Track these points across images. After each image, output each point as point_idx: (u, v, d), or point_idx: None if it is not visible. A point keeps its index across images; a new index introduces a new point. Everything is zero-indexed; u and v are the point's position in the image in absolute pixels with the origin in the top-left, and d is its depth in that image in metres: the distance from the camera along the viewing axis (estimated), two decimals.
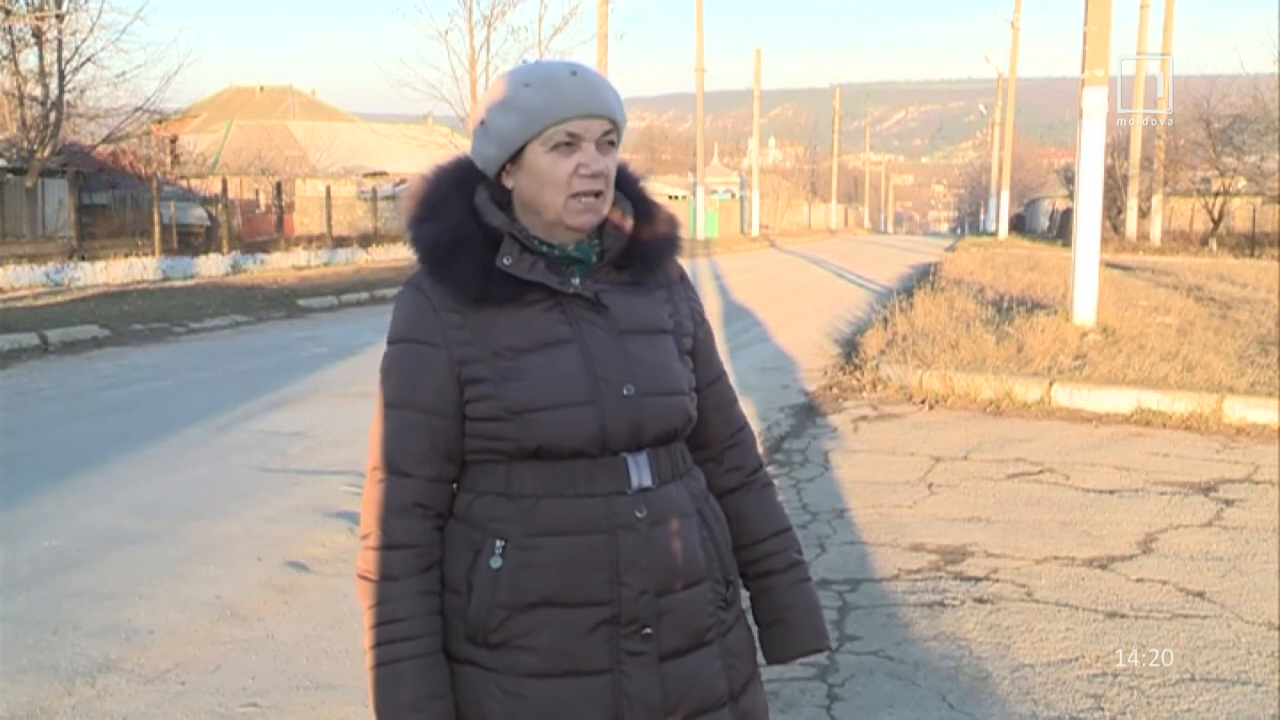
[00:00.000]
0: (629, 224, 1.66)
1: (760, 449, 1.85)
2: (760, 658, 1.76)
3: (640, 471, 1.58)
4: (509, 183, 1.62)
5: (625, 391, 1.57)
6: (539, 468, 1.56)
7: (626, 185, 1.69)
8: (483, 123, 1.60)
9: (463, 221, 1.60)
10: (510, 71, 1.64)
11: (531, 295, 1.59)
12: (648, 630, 1.56)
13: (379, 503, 1.59)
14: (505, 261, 1.57)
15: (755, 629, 1.77)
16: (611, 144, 1.60)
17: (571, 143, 1.56)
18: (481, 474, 1.60)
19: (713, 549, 1.65)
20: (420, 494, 1.58)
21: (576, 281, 1.61)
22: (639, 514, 1.56)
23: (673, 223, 1.71)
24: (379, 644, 1.56)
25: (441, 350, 1.58)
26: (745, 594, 1.77)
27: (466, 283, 1.57)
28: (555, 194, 1.57)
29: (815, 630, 1.76)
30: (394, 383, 1.61)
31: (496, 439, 1.56)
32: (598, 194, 1.58)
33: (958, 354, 9.08)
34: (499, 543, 1.55)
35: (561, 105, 1.56)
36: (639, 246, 1.66)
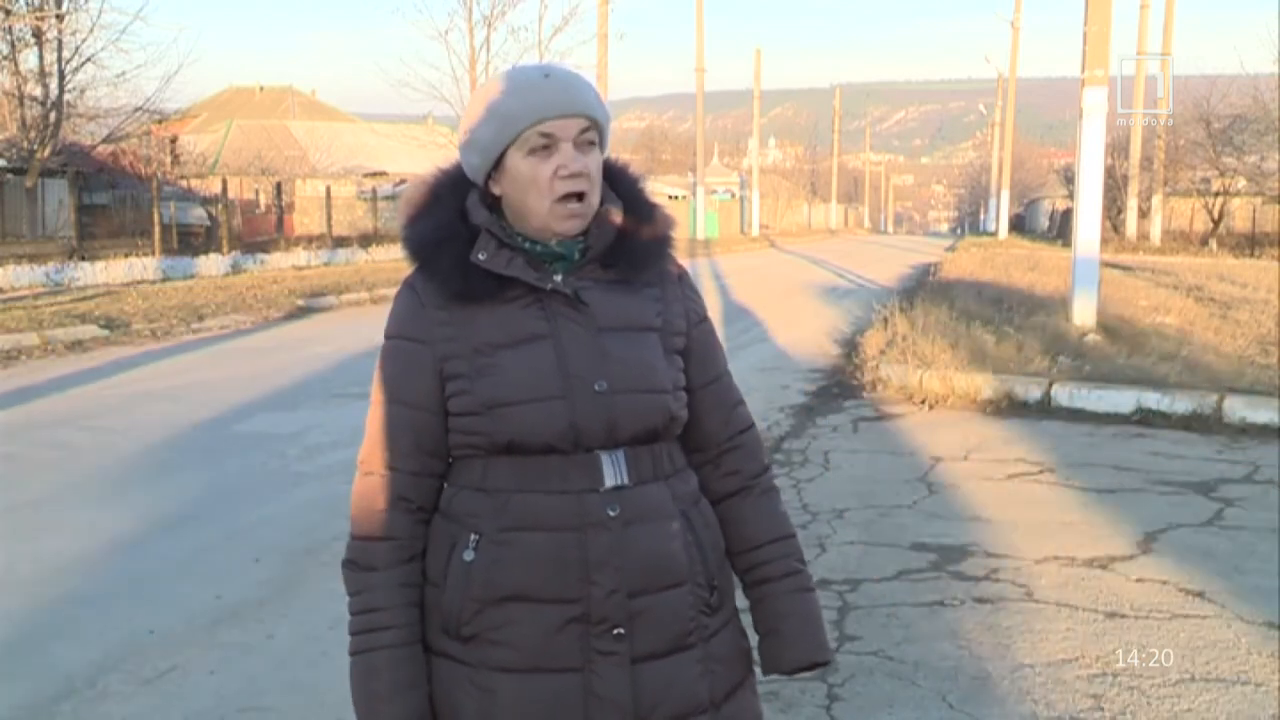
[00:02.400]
0: (616, 221, 1.65)
1: (763, 446, 1.82)
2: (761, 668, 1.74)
3: (615, 470, 1.58)
4: (496, 190, 1.63)
5: (598, 387, 1.56)
6: (513, 463, 1.57)
7: (620, 184, 1.69)
8: (466, 133, 1.63)
9: (450, 220, 1.63)
10: (489, 80, 1.66)
11: (512, 291, 1.60)
12: (619, 630, 1.55)
13: (364, 495, 1.62)
14: (480, 256, 1.59)
15: (756, 639, 1.74)
16: (592, 143, 1.60)
17: (548, 145, 1.58)
18: (462, 469, 1.62)
19: (696, 552, 1.62)
20: (403, 487, 1.60)
21: (558, 278, 1.61)
22: (611, 512, 1.56)
23: (664, 222, 1.70)
24: (356, 633, 1.60)
25: (426, 347, 1.60)
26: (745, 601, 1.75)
27: (448, 278, 1.60)
28: (539, 199, 1.58)
29: (812, 642, 1.70)
30: (383, 378, 1.64)
31: (472, 433, 1.58)
32: (581, 195, 1.58)
33: (958, 354, 9.08)
34: (473, 536, 1.57)
35: (535, 107, 1.57)
36: (626, 245, 1.65)
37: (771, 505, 1.75)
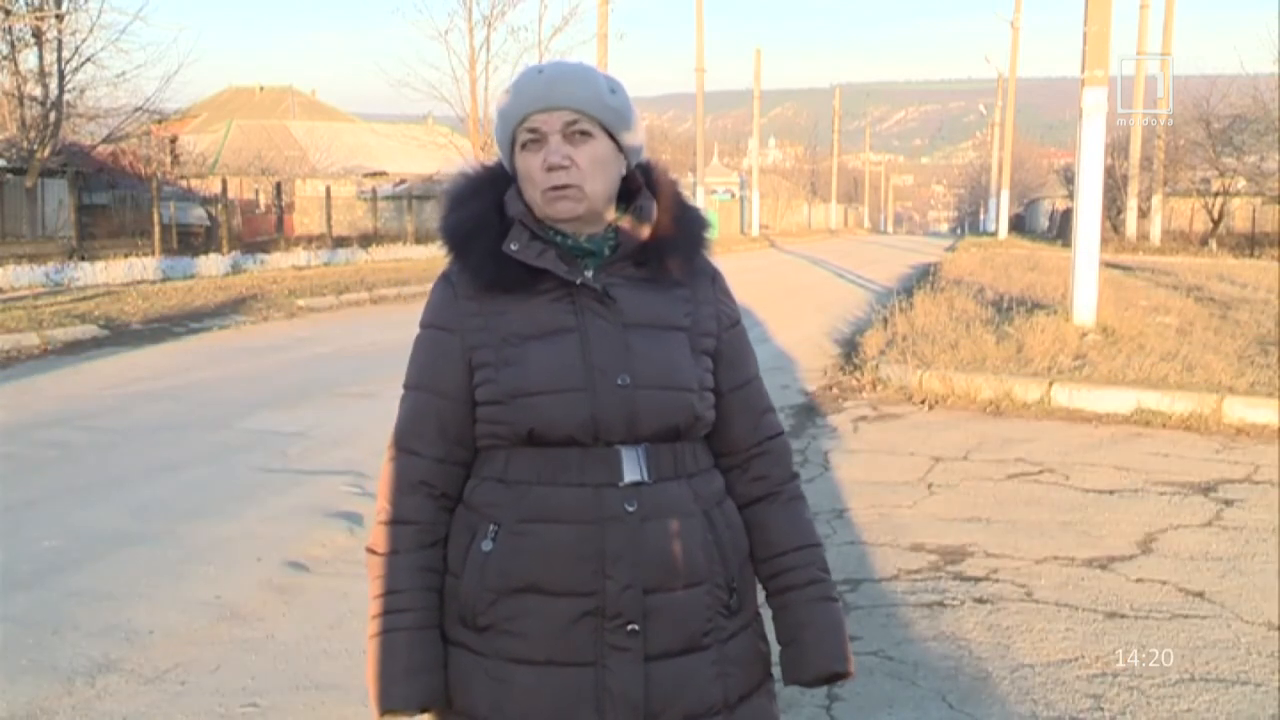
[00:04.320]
0: (643, 232, 1.67)
1: (791, 454, 1.82)
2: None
3: (634, 465, 1.59)
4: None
5: (620, 381, 1.58)
6: (534, 455, 1.59)
7: (656, 183, 1.71)
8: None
9: (484, 211, 1.66)
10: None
11: (544, 284, 1.62)
12: (633, 626, 1.56)
13: (389, 479, 1.65)
14: (512, 247, 1.61)
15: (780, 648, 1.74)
16: (585, 133, 1.61)
17: (536, 139, 1.61)
18: (486, 460, 1.64)
19: (716, 553, 1.63)
20: (427, 473, 1.63)
21: (589, 273, 1.63)
22: (629, 508, 1.57)
23: (698, 223, 1.71)
24: (375, 615, 1.62)
25: (456, 336, 1.63)
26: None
27: (480, 268, 1.63)
28: (533, 190, 1.62)
29: (832, 652, 1.69)
30: (414, 366, 1.68)
31: (496, 423, 1.60)
32: (569, 185, 1.60)
33: (958, 354, 9.08)
34: (492, 527, 1.59)
35: (522, 104, 1.62)
36: (657, 244, 1.67)
37: (798, 513, 1.75)
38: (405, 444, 1.64)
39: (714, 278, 1.75)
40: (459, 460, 1.64)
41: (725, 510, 1.67)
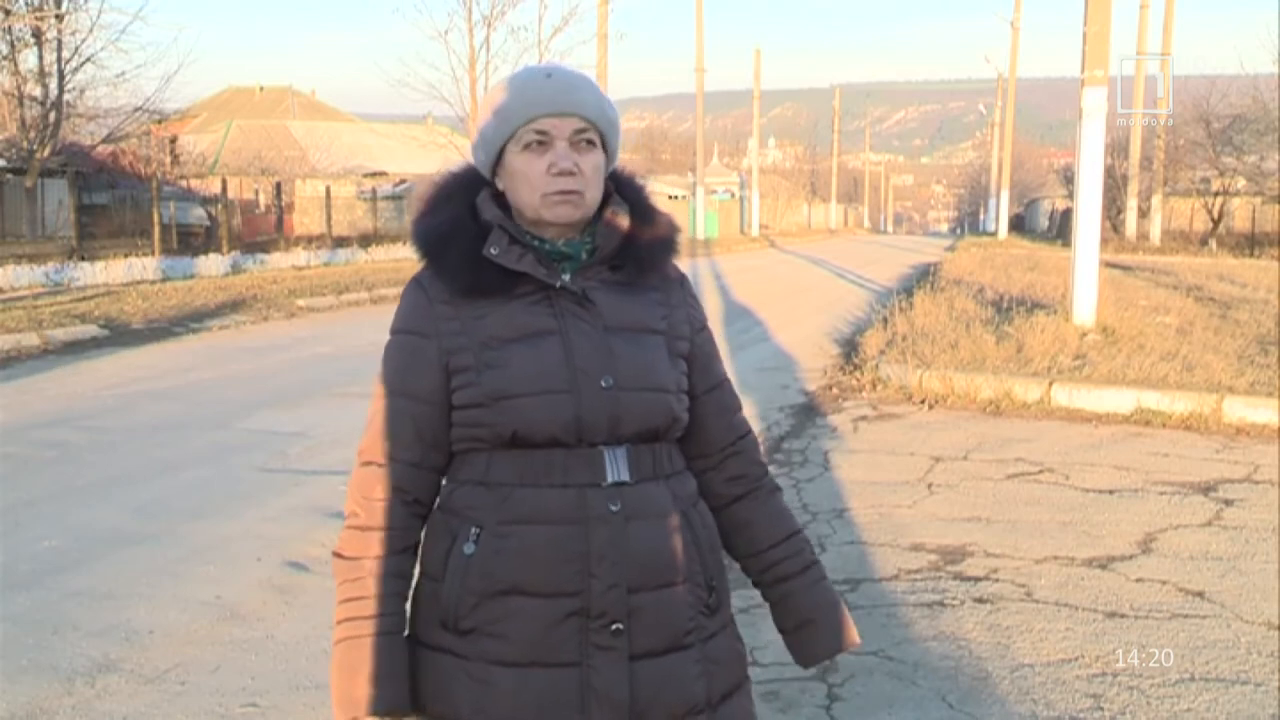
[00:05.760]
0: (624, 225, 1.68)
1: (760, 449, 1.84)
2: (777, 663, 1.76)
3: (617, 466, 1.59)
4: (500, 185, 1.68)
5: (604, 383, 1.59)
6: (516, 456, 1.59)
7: (625, 188, 1.72)
8: (476, 131, 1.69)
9: (459, 216, 1.66)
10: (500, 81, 1.71)
11: (522, 288, 1.62)
12: (617, 626, 1.56)
13: (361, 484, 1.64)
14: (493, 251, 1.61)
15: (781, 635, 1.78)
16: (590, 143, 1.63)
17: (543, 141, 1.61)
18: (464, 464, 1.63)
19: (695, 553, 1.64)
20: (400, 478, 1.62)
21: (567, 277, 1.64)
22: (613, 508, 1.57)
23: (669, 226, 1.73)
24: (343, 620, 1.60)
25: (432, 341, 1.63)
26: (754, 604, 1.76)
27: (457, 272, 1.63)
28: (531, 193, 1.62)
29: (844, 628, 1.77)
30: (387, 371, 1.67)
31: (476, 425, 1.60)
32: (573, 191, 1.61)
33: (957, 354, 9.08)
34: (474, 529, 1.58)
35: (531, 104, 1.61)
36: (633, 248, 1.68)
37: (779, 504, 1.79)
38: (379, 449, 1.63)
39: (682, 282, 1.77)
40: (433, 465, 1.64)
41: (700, 511, 1.70)
